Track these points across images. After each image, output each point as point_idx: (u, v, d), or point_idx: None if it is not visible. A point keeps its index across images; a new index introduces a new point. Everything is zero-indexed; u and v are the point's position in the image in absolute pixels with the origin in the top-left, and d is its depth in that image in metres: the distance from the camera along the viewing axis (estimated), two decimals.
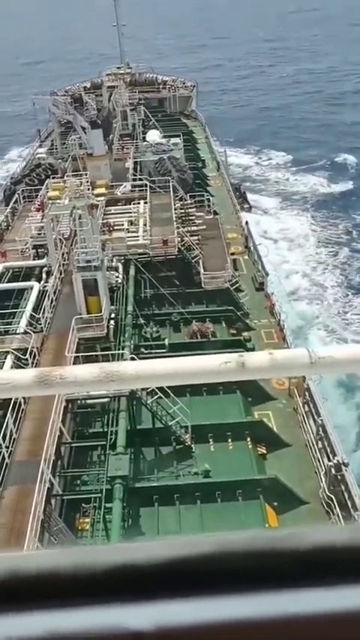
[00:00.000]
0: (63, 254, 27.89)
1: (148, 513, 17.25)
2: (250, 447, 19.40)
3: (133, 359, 20.25)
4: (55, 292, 25.26)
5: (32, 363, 20.51)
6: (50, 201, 29.37)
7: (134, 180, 35.60)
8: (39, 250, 29.17)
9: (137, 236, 29.15)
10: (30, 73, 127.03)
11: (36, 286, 25.92)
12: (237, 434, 19.63)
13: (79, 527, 16.72)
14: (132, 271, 27.26)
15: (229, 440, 19.57)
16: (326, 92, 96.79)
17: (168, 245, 28.19)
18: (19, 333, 22.29)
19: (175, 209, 31.18)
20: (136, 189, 34.18)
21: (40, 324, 23.00)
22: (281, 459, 19.32)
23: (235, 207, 38.48)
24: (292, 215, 49.92)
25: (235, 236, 33.99)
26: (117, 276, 26.39)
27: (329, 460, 17.63)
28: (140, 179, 35.09)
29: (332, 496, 16.79)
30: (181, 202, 32.35)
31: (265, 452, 19.59)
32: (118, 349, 21.89)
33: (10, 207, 34.47)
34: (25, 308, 24.14)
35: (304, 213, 50.04)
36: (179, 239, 28.76)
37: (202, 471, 18.27)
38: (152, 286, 26.89)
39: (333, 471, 17.12)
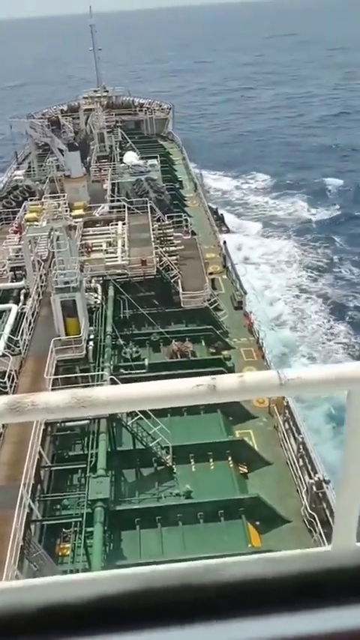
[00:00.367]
0: (41, 276, 27.80)
1: (129, 536, 17.04)
2: (231, 466, 19.34)
3: (112, 380, 20.14)
4: (33, 314, 25.10)
5: (10, 386, 20.28)
6: (28, 223, 29.26)
7: (112, 201, 35.79)
8: (17, 272, 29.01)
9: (116, 257, 29.21)
10: (7, 96, 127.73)
11: (14, 308, 25.72)
12: (218, 453, 19.57)
13: (60, 553, 16.42)
14: (111, 292, 27.25)
15: (211, 460, 19.50)
16: (306, 116, 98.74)
17: (147, 265, 28.28)
18: None
19: (153, 229, 31.35)
20: (114, 210, 34.33)
21: (19, 346, 22.78)
22: (263, 477, 19.28)
23: (213, 228, 38.81)
24: (273, 239, 50.15)
25: (214, 256, 34.25)
26: (96, 297, 26.35)
27: (310, 478, 17.64)
28: (118, 200, 35.28)
29: (314, 514, 16.76)
30: (159, 223, 32.56)
31: (246, 471, 19.54)
32: (98, 370, 21.76)
33: None
34: (2, 331, 23.90)
35: (285, 238, 50.26)
36: (158, 259, 28.89)
37: (184, 492, 18.15)
38: (131, 306, 26.89)
39: (314, 488, 17.12)
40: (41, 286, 27.19)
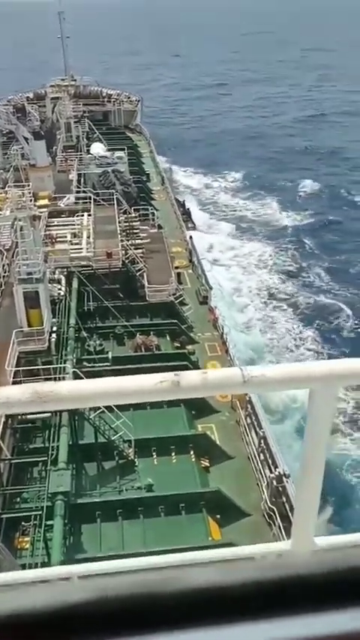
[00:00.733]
0: (3, 266, 27.32)
1: (90, 530, 16.96)
2: (193, 460, 19.44)
3: (75, 373, 19.96)
4: None
5: None
6: None
7: (78, 192, 35.37)
8: None
9: (81, 248, 28.91)
10: None
11: None
12: (180, 447, 19.64)
13: (19, 547, 16.23)
14: (75, 284, 26.97)
15: (173, 453, 19.56)
16: (280, 117, 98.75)
17: (112, 258, 28.08)
18: None
19: (120, 222, 31.13)
20: (80, 201, 33.95)
21: None
22: (224, 471, 19.44)
23: (180, 222, 38.78)
24: (243, 240, 49.85)
25: (180, 250, 34.25)
26: (59, 289, 26.03)
27: (271, 472, 17.87)
28: (84, 191, 34.89)
29: (274, 507, 16.99)
30: (126, 215, 32.35)
31: (208, 465, 19.68)
32: (60, 363, 21.53)
33: None
34: None
35: (256, 240, 50.00)
36: (123, 252, 28.71)
37: (146, 485, 18.16)
38: (96, 299, 26.67)
39: (274, 482, 17.35)
40: (3, 276, 26.74)
